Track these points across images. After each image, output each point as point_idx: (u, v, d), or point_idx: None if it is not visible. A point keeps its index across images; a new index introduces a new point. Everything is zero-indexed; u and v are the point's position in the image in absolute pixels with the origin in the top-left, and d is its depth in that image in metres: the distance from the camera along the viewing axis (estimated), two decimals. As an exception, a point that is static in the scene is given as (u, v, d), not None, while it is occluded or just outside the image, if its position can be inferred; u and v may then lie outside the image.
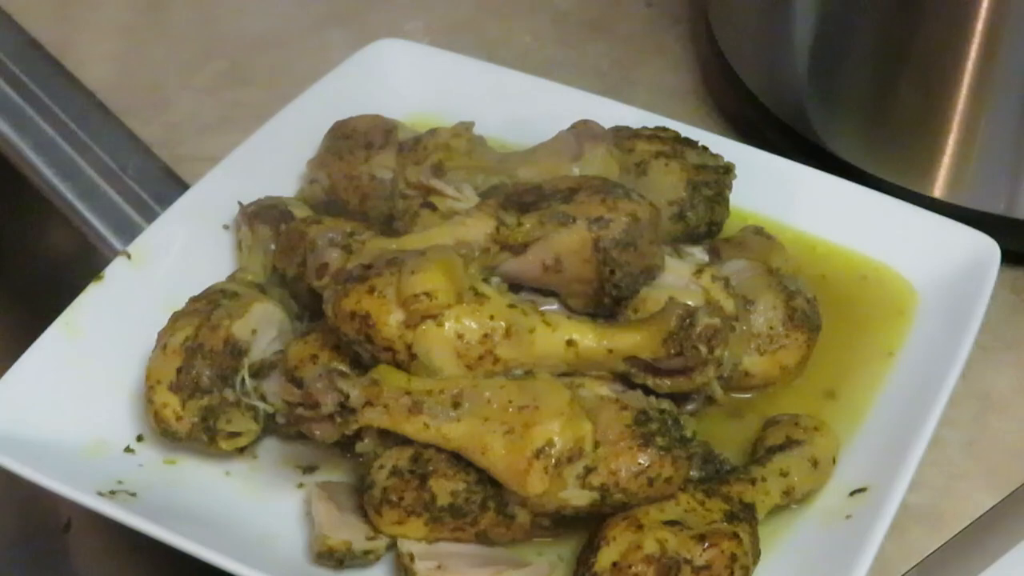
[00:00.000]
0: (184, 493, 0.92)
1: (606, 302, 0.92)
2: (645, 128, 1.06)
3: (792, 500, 0.90)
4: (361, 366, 0.89)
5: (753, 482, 0.89)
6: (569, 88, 1.14)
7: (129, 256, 1.01)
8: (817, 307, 0.99)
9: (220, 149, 1.10)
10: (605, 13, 1.37)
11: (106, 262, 1.01)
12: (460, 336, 0.86)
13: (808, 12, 1.09)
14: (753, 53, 1.17)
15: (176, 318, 0.95)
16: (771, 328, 0.96)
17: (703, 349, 0.88)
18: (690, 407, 0.92)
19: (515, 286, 0.92)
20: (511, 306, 0.88)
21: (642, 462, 0.84)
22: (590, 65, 1.30)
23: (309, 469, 0.94)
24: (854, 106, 1.10)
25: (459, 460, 0.86)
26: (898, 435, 0.90)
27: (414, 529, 0.86)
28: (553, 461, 0.83)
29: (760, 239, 1.02)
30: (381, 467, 0.87)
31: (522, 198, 0.93)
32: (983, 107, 1.02)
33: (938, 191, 1.07)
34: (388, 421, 0.86)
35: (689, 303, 0.90)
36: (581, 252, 0.91)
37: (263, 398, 0.93)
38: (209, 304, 0.95)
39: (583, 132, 1.02)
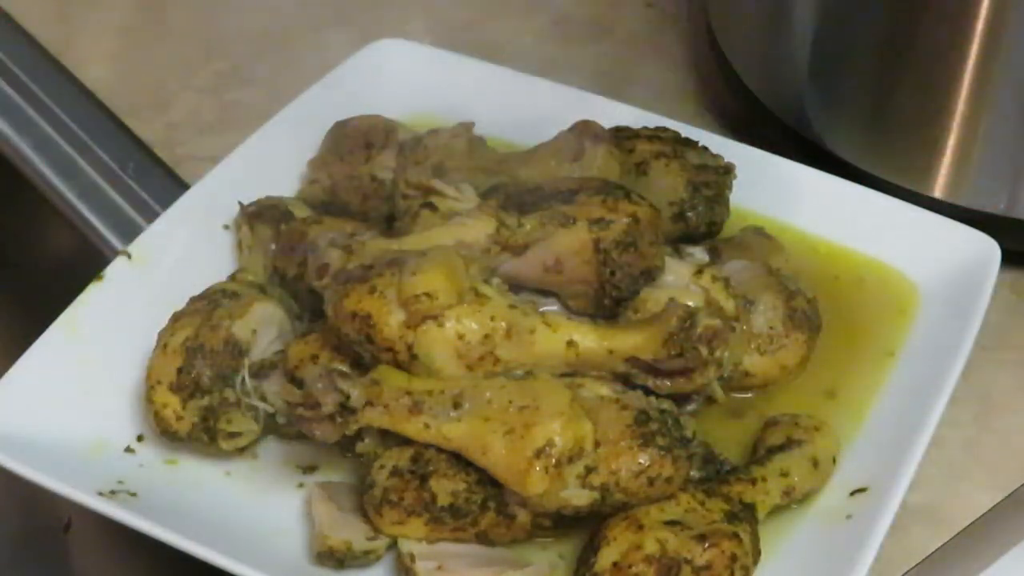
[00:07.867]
0: (184, 493, 0.92)
1: (606, 303, 0.92)
2: (645, 128, 1.06)
3: (792, 500, 0.90)
4: (362, 366, 0.89)
5: (753, 482, 0.89)
6: (569, 88, 1.14)
7: (129, 256, 1.01)
8: (817, 307, 0.99)
9: (220, 149, 1.10)
10: (605, 13, 1.37)
11: (106, 262, 1.01)
12: (461, 336, 0.86)
13: (808, 12, 1.09)
14: (753, 53, 1.17)
15: (176, 318, 0.95)
16: (771, 328, 0.96)
17: (703, 350, 0.88)
18: (690, 407, 0.92)
19: (515, 287, 0.92)
20: (512, 307, 0.88)
21: (642, 462, 0.84)
22: (590, 65, 1.30)
23: (309, 469, 0.94)
24: (854, 106, 1.10)
25: (459, 460, 0.86)
26: (898, 435, 0.90)
27: (414, 529, 0.86)
28: (553, 461, 0.83)
29: (760, 239, 1.03)
30: (381, 467, 0.87)
31: (522, 199, 0.93)
32: (983, 107, 1.01)
33: (938, 191, 1.07)
34: (388, 421, 0.86)
35: (689, 304, 0.90)
36: (581, 253, 0.91)
37: (263, 398, 0.93)
38: (209, 304, 0.95)
39: (583, 132, 1.02)
